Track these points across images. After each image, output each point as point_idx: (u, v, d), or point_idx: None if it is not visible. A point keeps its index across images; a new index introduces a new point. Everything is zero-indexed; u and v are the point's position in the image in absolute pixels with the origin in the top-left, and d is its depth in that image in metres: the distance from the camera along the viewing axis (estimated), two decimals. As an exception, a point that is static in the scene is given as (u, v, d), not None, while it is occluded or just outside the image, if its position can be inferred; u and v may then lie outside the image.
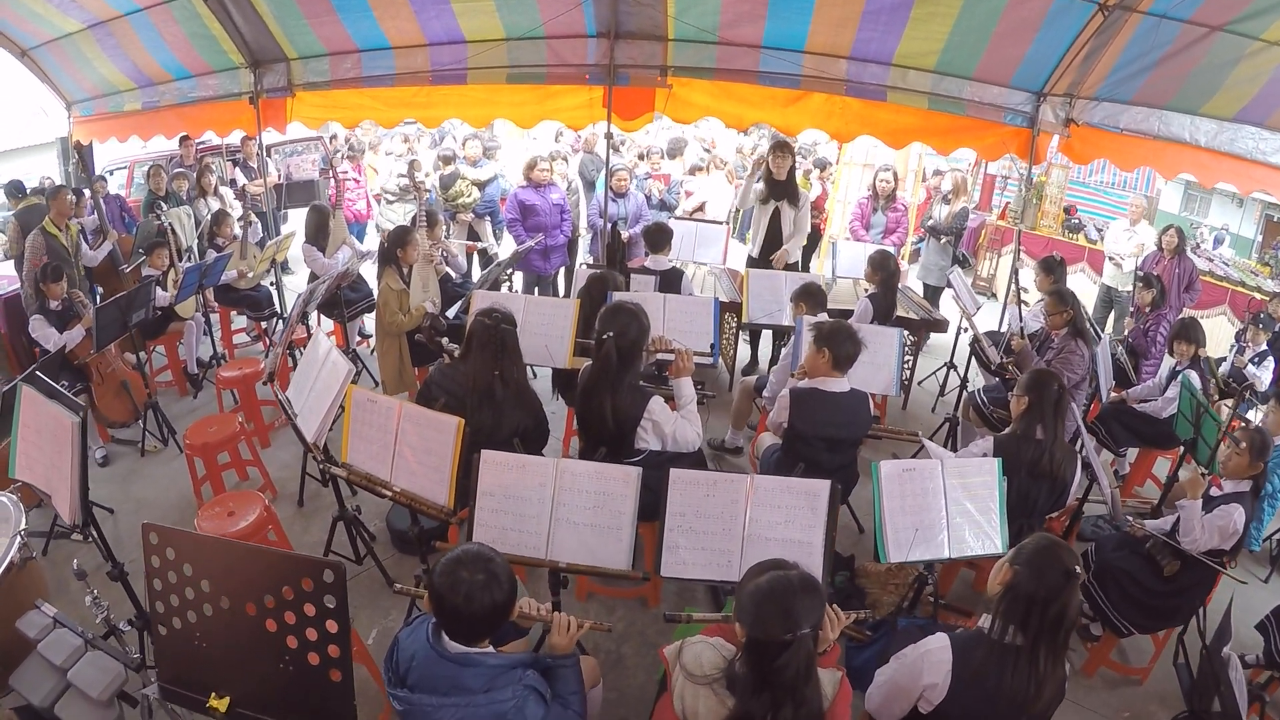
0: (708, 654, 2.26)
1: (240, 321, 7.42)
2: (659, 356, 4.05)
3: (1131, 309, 6.52)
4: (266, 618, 1.95)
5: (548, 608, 2.53)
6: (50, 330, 5.15)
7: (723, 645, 2.27)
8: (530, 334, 4.44)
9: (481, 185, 8.22)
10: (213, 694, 2.08)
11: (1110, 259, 8.21)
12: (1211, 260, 9.12)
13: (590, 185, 8.76)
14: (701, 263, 7.07)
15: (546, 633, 2.56)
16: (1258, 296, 8.05)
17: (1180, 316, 5.96)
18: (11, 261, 6.86)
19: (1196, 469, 3.82)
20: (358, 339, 6.96)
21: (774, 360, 6.48)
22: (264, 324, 7.13)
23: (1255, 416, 5.63)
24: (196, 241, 7.34)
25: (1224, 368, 6.17)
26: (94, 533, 3.14)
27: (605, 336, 3.49)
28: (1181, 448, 4.72)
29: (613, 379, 3.53)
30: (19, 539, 2.95)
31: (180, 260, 6.55)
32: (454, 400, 3.75)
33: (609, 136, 6.47)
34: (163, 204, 7.29)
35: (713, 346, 4.12)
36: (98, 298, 6.76)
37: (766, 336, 7.04)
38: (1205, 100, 6.17)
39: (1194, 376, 4.76)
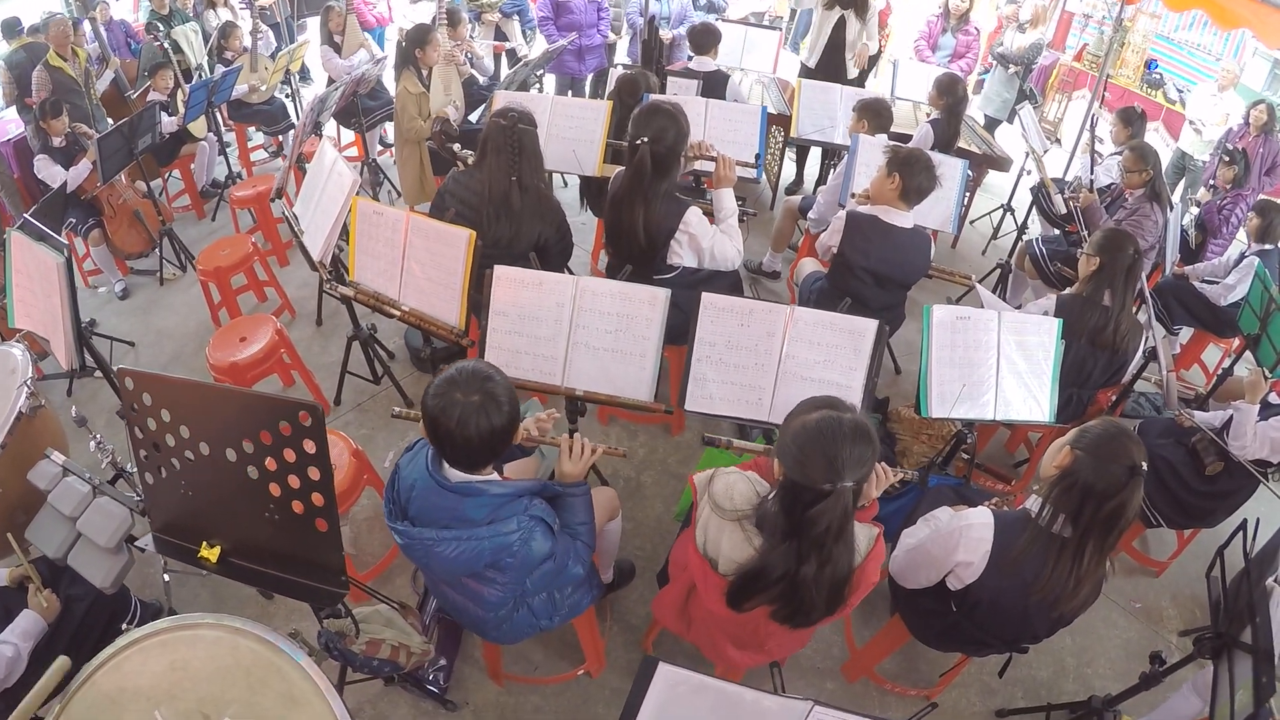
0: (740, 486, 2.06)
1: (259, 138, 7.12)
2: (697, 165, 3.74)
3: (1210, 182, 6.06)
4: (247, 464, 1.80)
5: (554, 430, 2.37)
6: (56, 169, 4.90)
7: (758, 481, 2.07)
8: (557, 138, 4.13)
9: None
10: (204, 543, 1.97)
11: (1191, 124, 7.60)
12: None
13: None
14: (750, 70, 6.54)
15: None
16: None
17: (1261, 199, 5.49)
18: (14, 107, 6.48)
19: (1259, 370, 3.53)
20: (379, 149, 6.66)
21: (821, 180, 6.07)
22: (281, 138, 6.81)
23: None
24: (206, 58, 6.94)
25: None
26: (100, 372, 3.07)
27: (640, 141, 3.14)
28: (1238, 340, 4.42)
29: (646, 187, 3.21)
30: (25, 388, 2.83)
31: (191, 80, 6.21)
32: (468, 210, 3.47)
33: None
34: (162, 24, 6.82)
35: (757, 158, 3.74)
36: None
37: (815, 155, 6.63)
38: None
39: (1267, 266, 4.41)
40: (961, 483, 3.11)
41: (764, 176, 6.27)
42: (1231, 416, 3.52)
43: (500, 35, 7.74)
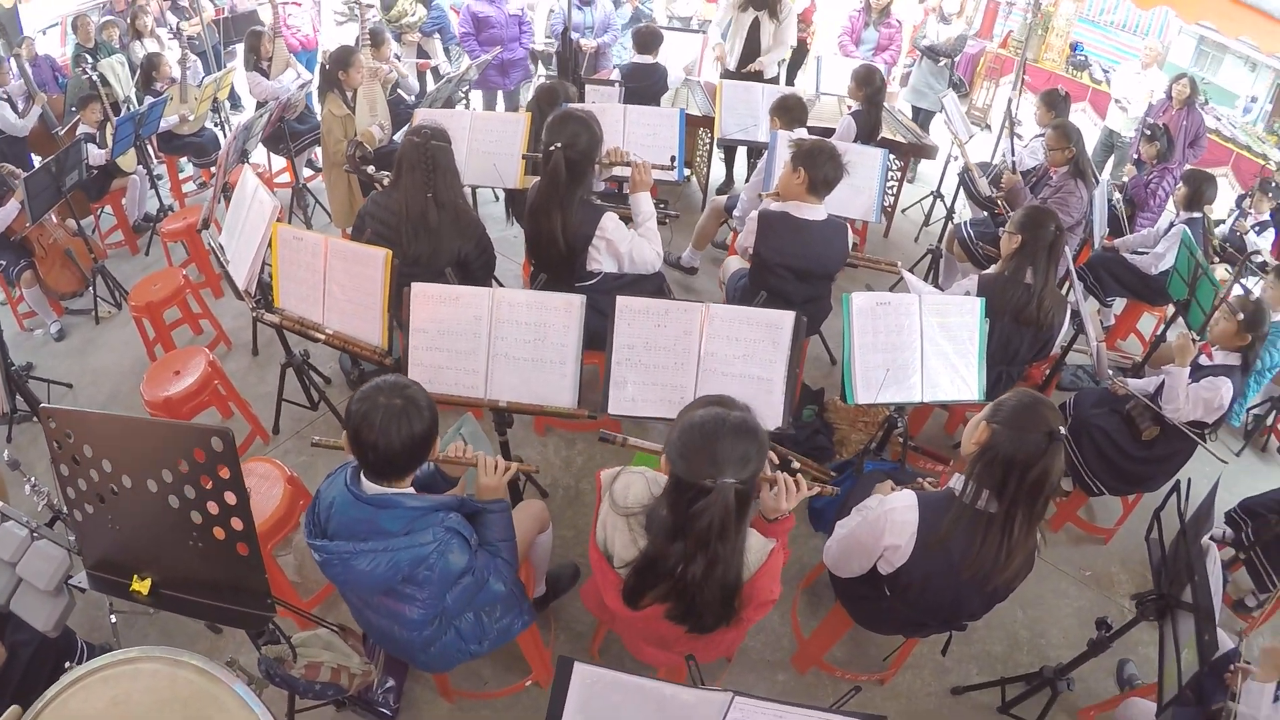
0: (637, 485, 2.07)
1: (190, 170, 7.02)
2: (616, 171, 3.74)
3: (1134, 157, 6.18)
4: (168, 494, 1.82)
5: (472, 450, 2.36)
6: (-18, 213, 4.79)
7: (655, 481, 2.07)
8: (477, 153, 4.15)
9: (425, 1, 7.63)
10: (135, 576, 1.98)
11: (1117, 102, 7.77)
12: (1220, 119, 8.73)
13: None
14: (676, 72, 6.64)
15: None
16: (1268, 165, 7.75)
17: (1187, 169, 5.61)
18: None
19: (1188, 334, 3.61)
20: (308, 173, 6.58)
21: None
22: (212, 169, 6.69)
23: (1252, 287, 5.41)
24: (134, 90, 6.83)
25: (1221, 230, 5.92)
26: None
27: (553, 147, 3.15)
28: (1171, 307, 4.49)
29: (562, 194, 3.22)
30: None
31: (120, 113, 6.09)
32: (387, 230, 3.46)
33: None
34: (90, 56, 6.71)
35: (673, 159, 3.76)
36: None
37: (743, 154, 6.70)
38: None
39: (1192, 233, 4.48)
40: (897, 467, 3.13)
41: (694, 179, 6.33)
42: (1164, 381, 3.57)
43: (423, 54, 7.73)
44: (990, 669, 3.28)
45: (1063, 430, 2.09)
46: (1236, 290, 4.36)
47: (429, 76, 7.71)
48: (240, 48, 8.61)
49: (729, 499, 1.80)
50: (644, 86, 5.77)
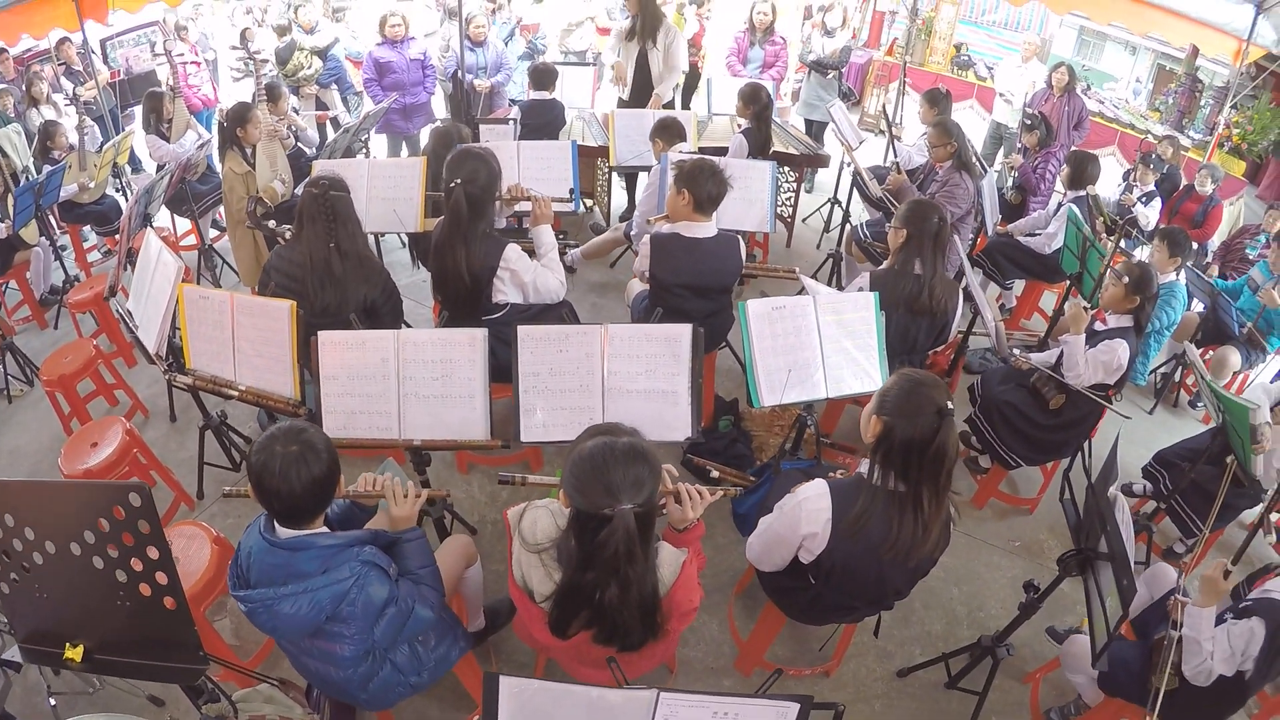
0: (543, 520, 2.10)
1: (95, 238, 6.83)
2: (517, 207, 3.82)
3: (1019, 147, 6.46)
4: (92, 555, 1.83)
5: (382, 481, 2.38)
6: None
7: (560, 513, 2.10)
8: (377, 199, 4.19)
9: (321, 53, 7.62)
10: (67, 645, 1.97)
11: (1000, 95, 8.15)
12: (1103, 102, 9.17)
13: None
14: (571, 107, 6.72)
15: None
16: (1148, 139, 8.13)
17: (1071, 151, 5.89)
18: None
19: (1079, 303, 3.77)
20: (214, 234, 6.50)
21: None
22: (116, 236, 6.56)
23: (1142, 255, 5.66)
24: (32, 160, 6.68)
25: (1111, 206, 6.19)
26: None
27: (454, 184, 3.22)
28: (1068, 281, 4.69)
29: (465, 229, 3.28)
30: None
31: (18, 184, 5.96)
32: (292, 282, 3.46)
33: None
34: (-21, 128, 6.58)
35: (572, 191, 3.84)
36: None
37: (644, 180, 6.82)
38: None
39: (1078, 210, 4.70)
40: (813, 464, 3.22)
41: (596, 208, 6.43)
42: (1062, 351, 3.72)
43: (322, 106, 7.73)
44: (932, 647, 3.36)
45: (950, 404, 2.17)
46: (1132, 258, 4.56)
47: (329, 128, 7.71)
48: (138, 110, 8.51)
49: (630, 524, 1.84)
50: (543, 122, 5.88)
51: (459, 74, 6.53)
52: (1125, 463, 4.63)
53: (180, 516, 3.93)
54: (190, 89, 7.87)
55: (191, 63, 8.21)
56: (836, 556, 2.35)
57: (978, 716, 3.09)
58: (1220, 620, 2.63)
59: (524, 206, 3.73)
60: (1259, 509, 3.56)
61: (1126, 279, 3.64)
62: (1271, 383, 5.01)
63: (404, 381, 2.78)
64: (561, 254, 3.55)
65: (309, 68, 7.45)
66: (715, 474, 2.44)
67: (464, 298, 3.39)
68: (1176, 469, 3.93)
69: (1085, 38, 10.46)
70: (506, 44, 7.71)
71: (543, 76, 6.01)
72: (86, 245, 6.63)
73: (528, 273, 3.39)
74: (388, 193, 4.23)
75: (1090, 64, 10.40)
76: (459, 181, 3.22)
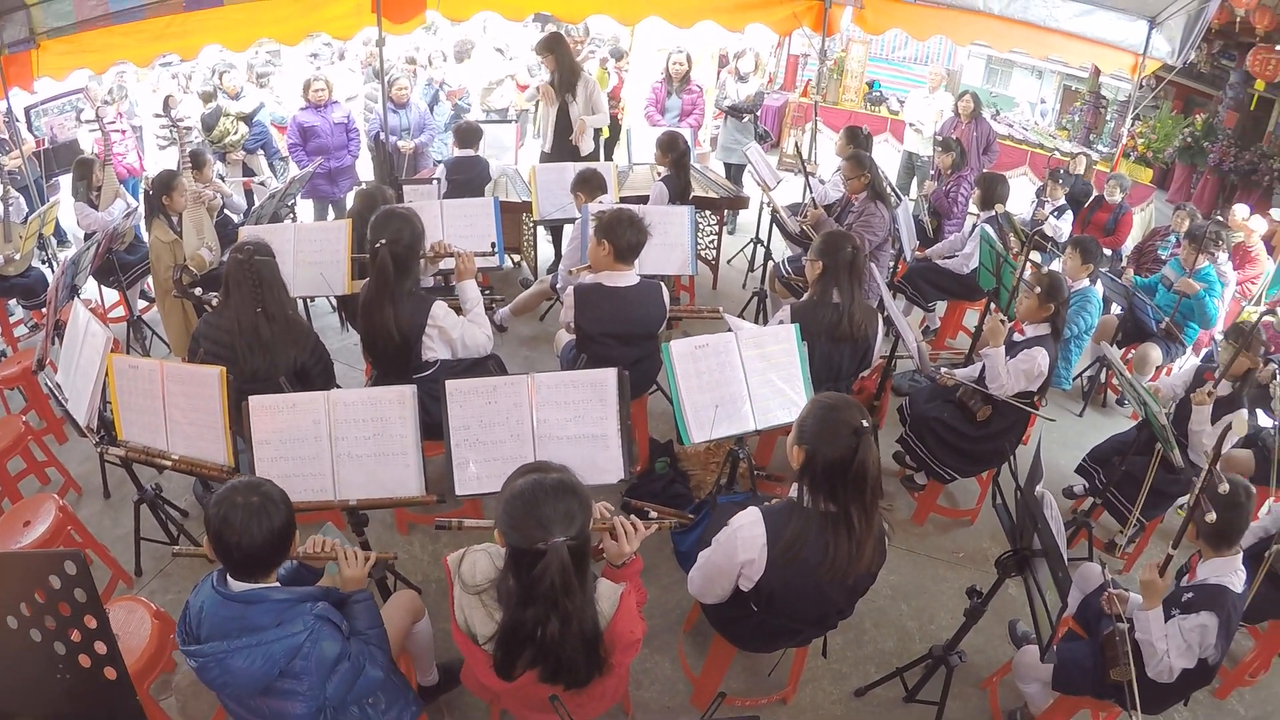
0: (481, 562, 2.13)
1: (21, 313, 6.65)
2: (441, 265, 3.87)
3: (932, 172, 6.70)
4: (29, 628, 1.81)
5: (333, 543, 2.39)
6: None
7: (498, 554, 2.13)
8: (304, 263, 4.21)
9: (247, 118, 7.65)
10: None
11: (910, 125, 8.44)
12: (1011, 125, 9.58)
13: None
14: (495, 163, 6.76)
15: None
16: (1055, 156, 8.49)
17: (981, 174, 6.15)
18: None
19: (997, 318, 3.92)
20: (143, 304, 6.36)
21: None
22: (43, 310, 6.42)
23: (1059, 266, 5.88)
24: (-45, 235, 6.54)
25: (1025, 222, 6.44)
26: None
27: (379, 244, 3.28)
28: (986, 298, 4.86)
29: (392, 287, 3.34)
30: None
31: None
32: (221, 349, 3.46)
33: (380, 43, 6.10)
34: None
35: (493, 245, 3.92)
36: None
37: (568, 232, 6.88)
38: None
39: (991, 230, 4.90)
40: (749, 495, 3.27)
41: (524, 263, 6.51)
42: (984, 365, 3.86)
43: (248, 172, 7.72)
44: (887, 664, 3.40)
45: (865, 422, 2.24)
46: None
47: (255, 193, 7.62)
48: (64, 179, 8.38)
49: (564, 556, 1.88)
50: (467, 178, 5.95)
51: (381, 136, 6.59)
52: (1061, 465, 4.86)
53: (119, 594, 3.85)
54: (116, 157, 7.78)
55: (117, 130, 8.15)
56: (775, 581, 2.39)
57: (939, 726, 3.14)
58: (1168, 615, 2.72)
59: (449, 263, 3.78)
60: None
61: (1038, 289, 3.80)
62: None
63: (336, 442, 2.80)
64: (489, 309, 3.60)
65: (234, 134, 7.46)
66: (654, 514, 2.49)
67: (394, 356, 3.42)
68: (1109, 464, 4.09)
69: (993, 66, 11.04)
70: (432, 108, 7.80)
71: (468, 134, 6.11)
72: (12, 319, 6.46)
73: (455, 329, 3.44)
74: (314, 256, 4.24)
75: (999, 90, 10.94)
76: (384, 242, 3.27)
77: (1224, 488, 2.59)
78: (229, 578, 2.11)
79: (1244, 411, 3.96)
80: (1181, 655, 2.66)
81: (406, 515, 4.01)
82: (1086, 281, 4.95)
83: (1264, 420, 4.60)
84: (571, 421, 2.80)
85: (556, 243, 6.66)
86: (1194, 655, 2.67)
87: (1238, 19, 8.08)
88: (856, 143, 5.87)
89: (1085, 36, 7.17)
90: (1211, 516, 2.62)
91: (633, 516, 2.30)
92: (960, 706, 3.34)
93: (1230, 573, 2.71)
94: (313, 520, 3.42)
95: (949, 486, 4.30)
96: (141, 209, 5.76)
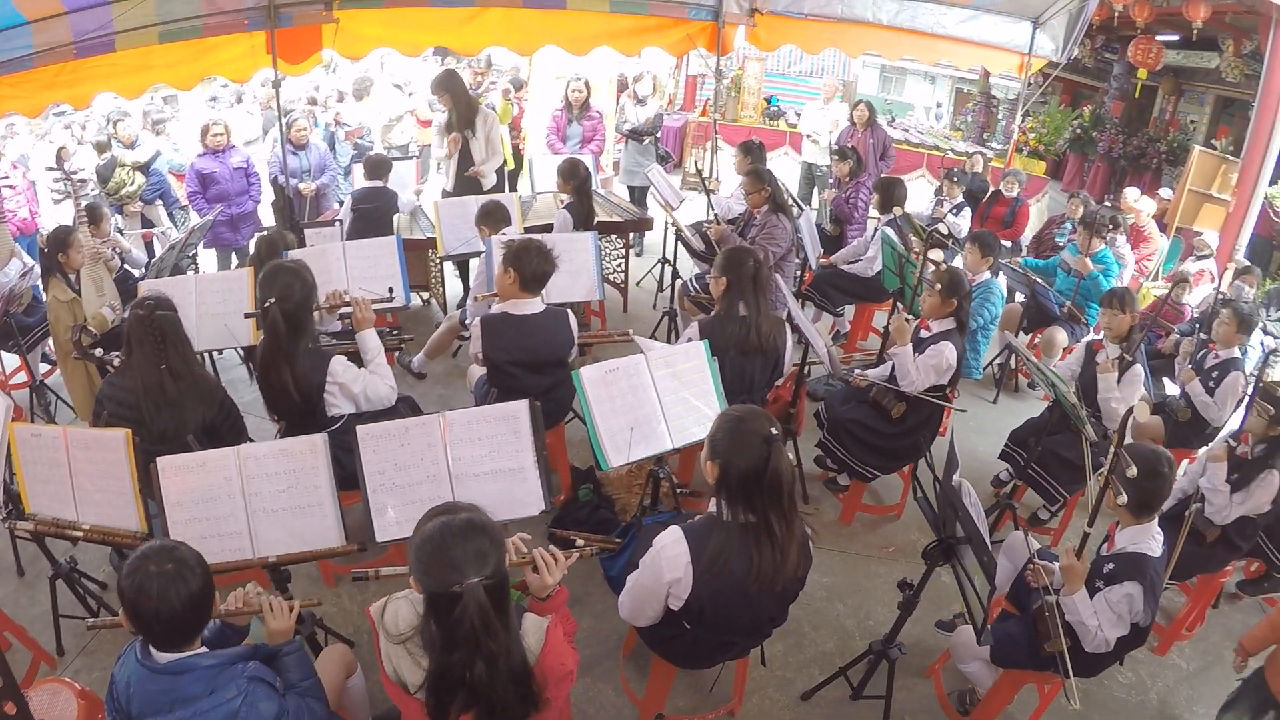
0: (403, 610, 2.11)
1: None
2: (341, 311, 3.81)
3: (831, 180, 6.88)
4: None
5: (254, 594, 2.35)
6: None
7: (419, 600, 2.11)
8: (208, 315, 4.12)
9: (143, 168, 7.38)
10: None
11: (808, 137, 8.66)
12: (907, 130, 9.94)
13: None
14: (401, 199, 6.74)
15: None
16: (951, 156, 8.82)
17: (879, 179, 6.35)
18: None
19: (902, 317, 4.03)
20: (45, 368, 6.15)
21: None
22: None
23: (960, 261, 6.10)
24: None
25: (925, 221, 6.67)
26: None
27: (268, 304, 3.20)
28: (893, 299, 5.01)
29: (286, 347, 3.25)
30: None
31: None
32: (126, 410, 3.34)
33: (276, 84, 5.96)
34: None
35: (392, 289, 3.89)
36: None
37: (476, 267, 6.87)
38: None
39: (892, 232, 5.07)
40: (674, 514, 3.30)
41: (433, 300, 6.48)
42: (894, 363, 3.97)
43: (147, 223, 7.47)
44: (830, 665, 3.43)
45: (774, 430, 2.29)
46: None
47: (156, 245, 7.37)
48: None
49: (480, 597, 1.87)
50: (375, 207, 5.92)
51: (279, 179, 6.48)
52: (981, 452, 5.01)
53: (42, 675, 3.69)
54: (9, 214, 7.46)
55: (9, 186, 7.85)
56: (704, 597, 2.41)
57: (889, 718, 3.20)
58: (1093, 588, 2.81)
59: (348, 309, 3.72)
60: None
61: (939, 286, 3.94)
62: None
63: (251, 498, 2.74)
64: (398, 349, 3.56)
65: (131, 184, 7.18)
66: (580, 542, 2.50)
67: (298, 415, 3.36)
68: (1028, 444, 4.23)
69: (887, 74, 11.52)
70: (333, 148, 7.73)
71: (377, 166, 6.08)
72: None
73: (356, 383, 3.37)
74: (217, 308, 4.15)
75: (894, 97, 11.38)
76: (273, 301, 3.20)
77: (1131, 471, 2.71)
78: (152, 649, 2.04)
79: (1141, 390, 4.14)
80: (1114, 626, 2.74)
81: (332, 567, 3.92)
82: (987, 274, 5.14)
83: (1170, 388, 4.87)
84: (487, 457, 2.80)
85: (464, 278, 6.64)
86: (1126, 623, 2.75)
87: (1117, 14, 8.51)
88: (752, 155, 5.99)
89: (972, 40, 7.50)
90: (1123, 499, 2.74)
91: (552, 547, 2.29)
92: (907, 697, 3.41)
93: (1147, 539, 2.80)
94: (234, 581, 3.34)
95: (872, 484, 4.39)
96: (38, 268, 5.57)
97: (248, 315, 3.50)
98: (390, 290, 3.90)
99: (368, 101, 8.94)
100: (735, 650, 2.86)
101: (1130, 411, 2.96)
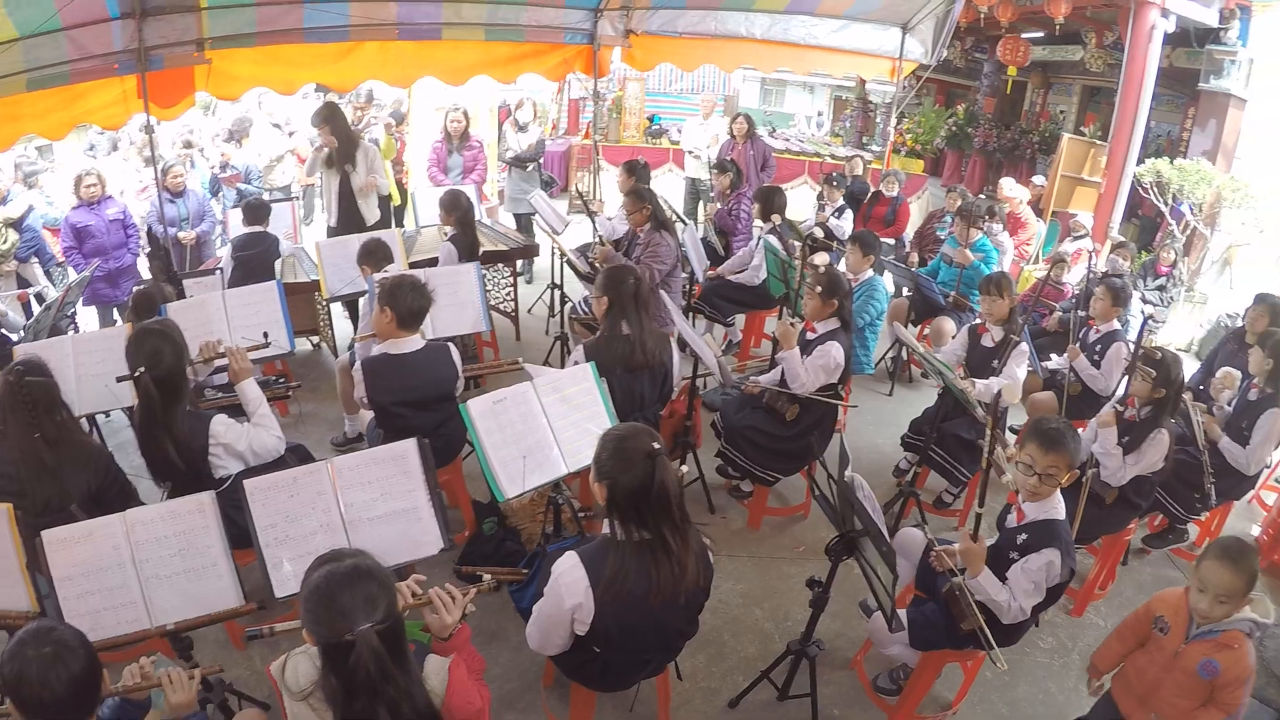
0: (302, 665, 2.08)
1: None
2: (216, 364, 3.69)
3: (713, 194, 7.04)
4: None
5: (150, 667, 2.29)
6: None
7: (317, 654, 2.07)
8: (88, 377, 3.95)
9: (16, 224, 6.99)
10: None
11: (690, 153, 8.84)
12: (788, 139, 10.26)
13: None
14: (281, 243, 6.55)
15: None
16: (830, 161, 9.15)
17: (759, 189, 6.53)
18: None
19: (786, 321, 4.14)
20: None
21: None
22: None
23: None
24: None
25: (810, 226, 6.92)
26: None
27: (138, 373, 3.09)
28: (780, 304, 5.18)
29: (162, 415, 3.14)
30: None
31: None
32: (6, 482, 3.18)
33: (149, 130, 5.79)
34: None
35: (266, 336, 3.84)
36: None
37: (364, 306, 6.71)
38: (757, -4, 6.64)
39: (774, 240, 5.25)
40: (577, 539, 3.31)
41: (323, 343, 6.36)
42: (783, 367, 4.08)
43: (23, 283, 7.08)
44: (753, 671, 3.44)
45: (656, 445, 2.33)
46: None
47: (34, 304, 7.01)
48: None
49: (374, 643, 1.86)
50: (256, 253, 5.79)
51: (154, 229, 6.31)
52: (881, 444, 5.19)
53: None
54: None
55: None
56: (609, 619, 2.40)
57: (817, 715, 3.25)
58: (1008, 561, 2.90)
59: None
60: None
61: (819, 288, 4.08)
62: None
63: (142, 565, 2.66)
64: (284, 397, 3.49)
65: (4, 242, 6.81)
66: (487, 577, 2.50)
67: (184, 481, 3.24)
68: (925, 430, 4.40)
69: (768, 86, 11.90)
70: (215, 195, 7.56)
71: (256, 211, 5.95)
72: None
73: (240, 440, 3.29)
74: (97, 368, 3.97)
75: (774, 108, 11.73)
76: (142, 370, 3.09)
77: (1006, 479, 2.87)
78: None
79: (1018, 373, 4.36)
80: (1029, 596, 2.83)
81: (239, 629, 3.76)
82: (870, 272, 5.34)
83: (1056, 362, 5.15)
84: (379, 500, 2.78)
85: (354, 318, 6.47)
86: (1041, 591, 2.85)
87: (983, 15, 8.94)
88: (635, 175, 6.07)
89: (845, 49, 7.84)
90: (1007, 478, 2.89)
91: (449, 585, 2.28)
92: (834, 691, 3.47)
93: (1054, 505, 2.92)
94: (137, 653, 3.25)
95: (776, 486, 4.48)
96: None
97: (120, 379, 3.32)
98: (266, 335, 3.81)
99: (247, 143, 8.73)
100: (650, 667, 2.85)
101: (999, 393, 3.15)
